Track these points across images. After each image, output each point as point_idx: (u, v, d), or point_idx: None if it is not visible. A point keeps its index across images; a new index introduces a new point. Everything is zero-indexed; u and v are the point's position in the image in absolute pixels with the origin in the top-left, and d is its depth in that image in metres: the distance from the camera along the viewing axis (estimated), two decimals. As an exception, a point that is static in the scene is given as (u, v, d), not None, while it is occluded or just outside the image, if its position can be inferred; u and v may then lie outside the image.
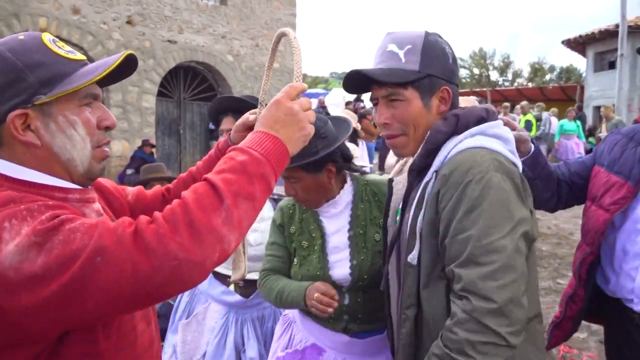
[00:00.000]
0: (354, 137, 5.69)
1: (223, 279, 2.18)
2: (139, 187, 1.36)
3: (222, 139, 1.48)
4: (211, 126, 11.81)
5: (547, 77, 38.91)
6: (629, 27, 13.34)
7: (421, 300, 1.21)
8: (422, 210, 1.20)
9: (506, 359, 1.07)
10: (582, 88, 19.13)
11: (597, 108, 15.70)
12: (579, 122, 11.91)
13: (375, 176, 1.79)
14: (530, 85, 32.24)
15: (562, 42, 18.85)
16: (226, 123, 2.12)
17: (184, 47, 11.02)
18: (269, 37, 12.41)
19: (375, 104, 1.33)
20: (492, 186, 1.10)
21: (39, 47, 0.93)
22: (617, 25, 13.55)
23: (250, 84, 12.27)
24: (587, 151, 10.95)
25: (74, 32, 9.18)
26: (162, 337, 2.33)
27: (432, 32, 1.30)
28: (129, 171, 8.78)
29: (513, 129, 1.59)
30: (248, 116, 1.36)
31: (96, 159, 1.00)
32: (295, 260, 1.75)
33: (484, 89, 23.19)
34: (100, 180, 1.17)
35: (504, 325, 1.04)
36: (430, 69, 1.24)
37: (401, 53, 1.25)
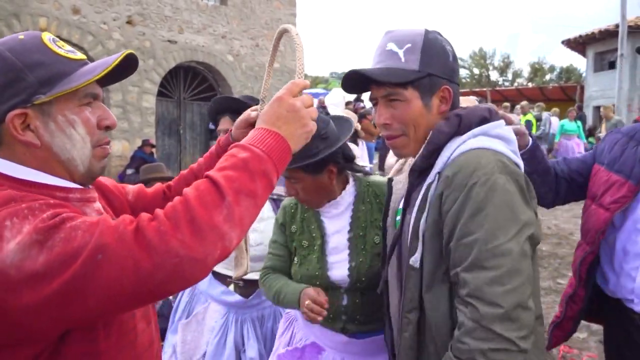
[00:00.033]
0: (354, 137, 5.69)
1: (223, 279, 2.18)
2: (140, 185, 1.35)
3: (220, 138, 1.48)
4: (211, 126, 11.81)
5: (547, 77, 38.93)
6: (629, 27, 13.35)
7: (424, 304, 1.18)
8: (425, 212, 1.18)
9: None
10: (582, 88, 19.14)
11: (597, 108, 15.70)
12: (579, 123, 11.91)
13: (377, 177, 1.77)
14: (530, 85, 32.24)
15: (562, 42, 18.86)
16: (224, 123, 2.12)
17: (184, 47, 11.02)
18: (269, 37, 12.41)
19: (374, 104, 1.30)
20: (497, 188, 1.08)
21: (38, 46, 0.93)
22: (617, 25, 13.55)
23: (250, 84, 12.27)
24: (587, 151, 10.92)
25: (74, 32, 9.18)
26: (162, 337, 2.33)
27: (432, 30, 1.27)
28: (129, 171, 8.79)
29: (510, 123, 1.59)
30: (249, 113, 1.36)
31: (96, 157, 1.00)
32: (295, 259, 1.75)
33: (484, 89, 23.19)
34: (101, 179, 1.17)
35: (513, 330, 1.02)
36: (431, 68, 1.22)
37: (401, 52, 1.23)
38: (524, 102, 12.94)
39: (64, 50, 0.96)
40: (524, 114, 12.09)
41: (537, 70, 39.61)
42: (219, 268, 2.15)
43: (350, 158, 1.69)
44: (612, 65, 16.41)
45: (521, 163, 1.23)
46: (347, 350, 1.68)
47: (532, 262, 1.13)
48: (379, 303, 1.49)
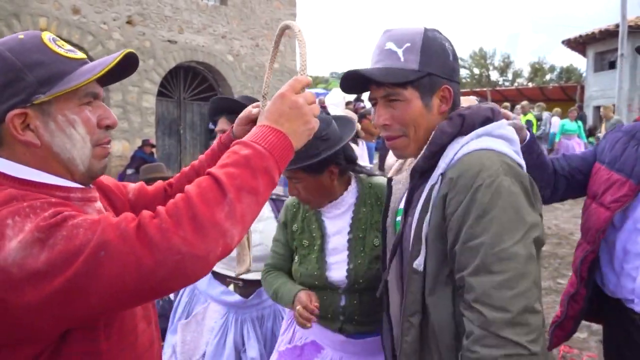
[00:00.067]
0: (354, 137, 5.68)
1: (222, 279, 2.17)
2: (140, 183, 1.35)
3: (216, 140, 1.47)
4: (211, 126, 11.81)
5: (548, 77, 38.94)
6: (629, 27, 13.34)
7: (427, 307, 1.17)
8: (428, 215, 1.16)
9: None
10: (583, 88, 19.14)
11: (598, 108, 15.70)
12: (580, 123, 11.92)
13: (380, 179, 1.76)
14: (530, 85, 32.25)
15: (563, 42, 18.86)
16: (221, 124, 2.12)
17: (184, 47, 11.02)
18: (269, 37, 12.42)
19: (374, 104, 1.28)
20: (502, 191, 1.06)
21: (38, 46, 0.93)
22: (617, 25, 13.56)
23: (250, 84, 12.27)
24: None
25: (74, 32, 9.19)
26: (162, 337, 2.33)
27: (431, 28, 1.25)
28: (129, 171, 8.79)
29: (507, 119, 1.58)
30: (251, 109, 1.35)
31: (97, 157, 1.00)
32: (296, 258, 1.77)
33: (484, 89, 23.19)
34: (102, 178, 1.17)
35: (523, 334, 1.00)
36: (430, 67, 1.20)
37: (400, 51, 1.20)
38: (525, 102, 12.94)
39: (64, 49, 0.96)
40: (525, 113, 12.09)
41: (537, 70, 39.62)
42: (218, 268, 2.15)
43: (352, 159, 1.69)
44: (612, 65, 16.42)
45: (524, 164, 1.22)
46: (345, 350, 1.68)
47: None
48: (377, 305, 1.49)
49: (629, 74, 15.28)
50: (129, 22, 10.06)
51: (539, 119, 12.62)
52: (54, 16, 8.91)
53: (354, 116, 5.55)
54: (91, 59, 1.00)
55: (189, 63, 11.44)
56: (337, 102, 6.30)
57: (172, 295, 2.69)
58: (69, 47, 0.99)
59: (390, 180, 1.44)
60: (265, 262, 1.86)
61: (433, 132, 1.21)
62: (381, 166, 8.35)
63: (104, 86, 1.03)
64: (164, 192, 1.33)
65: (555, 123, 12.24)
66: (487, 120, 1.21)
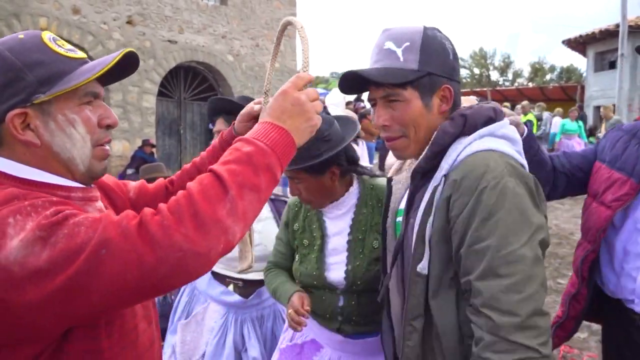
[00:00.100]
0: (354, 137, 5.65)
1: (222, 279, 2.17)
2: (141, 181, 1.34)
3: (216, 139, 1.47)
4: (211, 126, 11.82)
5: (548, 77, 38.95)
6: (630, 27, 13.34)
7: (430, 310, 1.15)
8: (431, 217, 1.14)
9: None
10: (583, 88, 19.13)
11: (598, 108, 15.69)
12: (580, 123, 11.92)
13: (382, 181, 1.75)
14: (530, 85, 32.25)
15: (563, 42, 18.85)
16: (219, 124, 2.12)
17: (184, 47, 11.02)
18: (269, 37, 12.42)
19: (373, 105, 1.26)
20: (507, 192, 1.05)
21: (38, 45, 0.93)
22: (617, 25, 13.56)
23: (250, 84, 12.27)
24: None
25: (74, 32, 9.19)
26: (162, 337, 2.33)
27: (431, 27, 1.23)
28: (129, 171, 8.79)
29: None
30: (252, 106, 1.34)
31: (96, 158, 0.99)
32: (296, 257, 1.77)
33: (485, 89, 23.18)
34: (102, 177, 1.17)
35: (534, 337, 1.00)
36: (430, 66, 1.17)
37: (399, 51, 1.18)
38: (525, 102, 12.94)
39: (64, 49, 0.96)
40: (525, 114, 12.09)
41: (537, 70, 39.63)
42: (218, 268, 2.15)
43: (353, 160, 1.68)
44: (612, 65, 16.41)
45: (526, 164, 1.21)
46: (344, 350, 1.69)
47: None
48: (376, 306, 1.49)
49: (629, 74, 15.27)
50: (129, 22, 10.06)
51: (539, 119, 12.63)
52: (54, 16, 8.91)
53: (354, 116, 5.55)
54: (91, 59, 1.00)
55: (189, 63, 11.45)
56: (337, 102, 6.29)
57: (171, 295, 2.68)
58: (69, 46, 0.99)
59: (390, 180, 1.43)
60: (268, 260, 1.88)
61: (435, 133, 1.19)
62: (381, 166, 8.34)
63: (104, 86, 1.03)
64: (165, 189, 1.33)
65: (556, 123, 12.25)
66: (490, 120, 1.20)
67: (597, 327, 3.24)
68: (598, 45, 17.46)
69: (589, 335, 3.66)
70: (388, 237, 1.41)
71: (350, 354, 1.68)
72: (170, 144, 11.81)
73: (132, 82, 9.99)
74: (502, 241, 1.03)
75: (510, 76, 40.40)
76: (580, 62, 45.70)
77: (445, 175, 1.15)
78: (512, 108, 12.89)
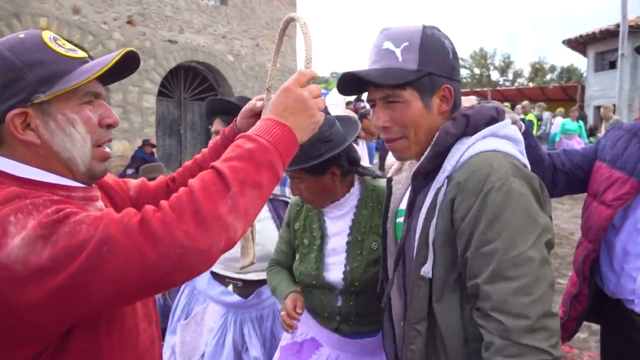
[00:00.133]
0: (355, 137, 5.66)
1: (222, 279, 2.17)
2: (142, 179, 1.33)
3: (214, 139, 1.46)
4: (210, 126, 11.82)
5: (548, 77, 38.96)
6: (630, 27, 13.34)
7: (434, 314, 1.14)
8: (435, 219, 1.12)
9: None
10: (583, 88, 19.13)
11: (598, 108, 15.68)
12: (581, 123, 11.92)
13: (384, 182, 1.74)
14: (530, 85, 32.24)
15: (563, 42, 18.84)
16: (216, 125, 2.12)
17: (185, 47, 11.02)
18: (270, 37, 12.42)
19: (372, 106, 1.24)
20: (513, 193, 1.04)
21: (38, 45, 0.93)
22: (617, 25, 13.55)
23: (250, 84, 12.27)
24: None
25: (74, 32, 9.19)
26: (162, 337, 2.32)
27: (430, 26, 1.20)
28: (130, 171, 8.79)
29: None
30: (255, 102, 1.33)
31: (96, 158, 0.99)
32: (297, 256, 1.78)
33: (485, 89, 23.18)
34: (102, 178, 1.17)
35: (544, 339, 0.99)
36: (430, 66, 1.15)
37: (398, 51, 1.16)
38: (525, 102, 12.94)
39: (65, 48, 0.96)
40: (525, 113, 12.09)
41: (537, 70, 39.63)
42: (217, 269, 2.15)
43: (354, 161, 1.68)
44: (612, 65, 16.40)
45: (529, 164, 1.20)
46: (343, 349, 1.69)
47: None
48: (374, 307, 1.49)
49: (629, 73, 15.27)
50: (129, 22, 10.06)
51: (539, 118, 12.63)
52: (55, 16, 8.91)
53: (354, 116, 5.55)
54: (92, 59, 1.00)
55: (190, 63, 11.45)
56: (338, 102, 6.29)
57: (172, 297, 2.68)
58: (69, 46, 0.98)
59: (390, 180, 1.42)
60: (270, 258, 1.91)
61: (437, 133, 1.17)
62: (381, 166, 8.35)
63: (105, 85, 1.03)
64: (167, 187, 1.32)
65: (557, 123, 12.26)
66: (492, 120, 1.19)
67: (597, 327, 3.22)
68: (598, 45, 17.46)
69: (589, 335, 3.66)
70: (388, 238, 1.40)
71: (349, 353, 1.69)
72: (171, 144, 11.81)
73: (132, 82, 10.00)
74: (510, 243, 1.02)
75: (510, 76, 40.44)
76: (580, 62, 45.77)
77: (448, 177, 1.13)
78: (513, 108, 12.88)
